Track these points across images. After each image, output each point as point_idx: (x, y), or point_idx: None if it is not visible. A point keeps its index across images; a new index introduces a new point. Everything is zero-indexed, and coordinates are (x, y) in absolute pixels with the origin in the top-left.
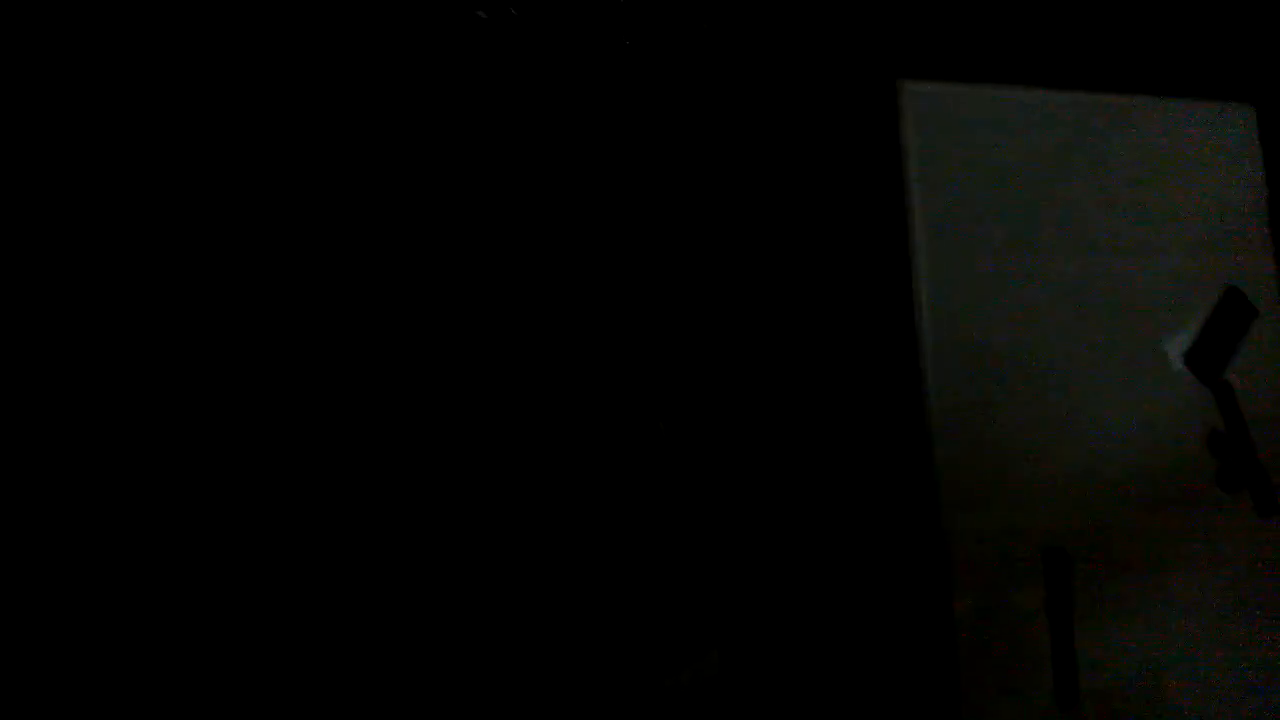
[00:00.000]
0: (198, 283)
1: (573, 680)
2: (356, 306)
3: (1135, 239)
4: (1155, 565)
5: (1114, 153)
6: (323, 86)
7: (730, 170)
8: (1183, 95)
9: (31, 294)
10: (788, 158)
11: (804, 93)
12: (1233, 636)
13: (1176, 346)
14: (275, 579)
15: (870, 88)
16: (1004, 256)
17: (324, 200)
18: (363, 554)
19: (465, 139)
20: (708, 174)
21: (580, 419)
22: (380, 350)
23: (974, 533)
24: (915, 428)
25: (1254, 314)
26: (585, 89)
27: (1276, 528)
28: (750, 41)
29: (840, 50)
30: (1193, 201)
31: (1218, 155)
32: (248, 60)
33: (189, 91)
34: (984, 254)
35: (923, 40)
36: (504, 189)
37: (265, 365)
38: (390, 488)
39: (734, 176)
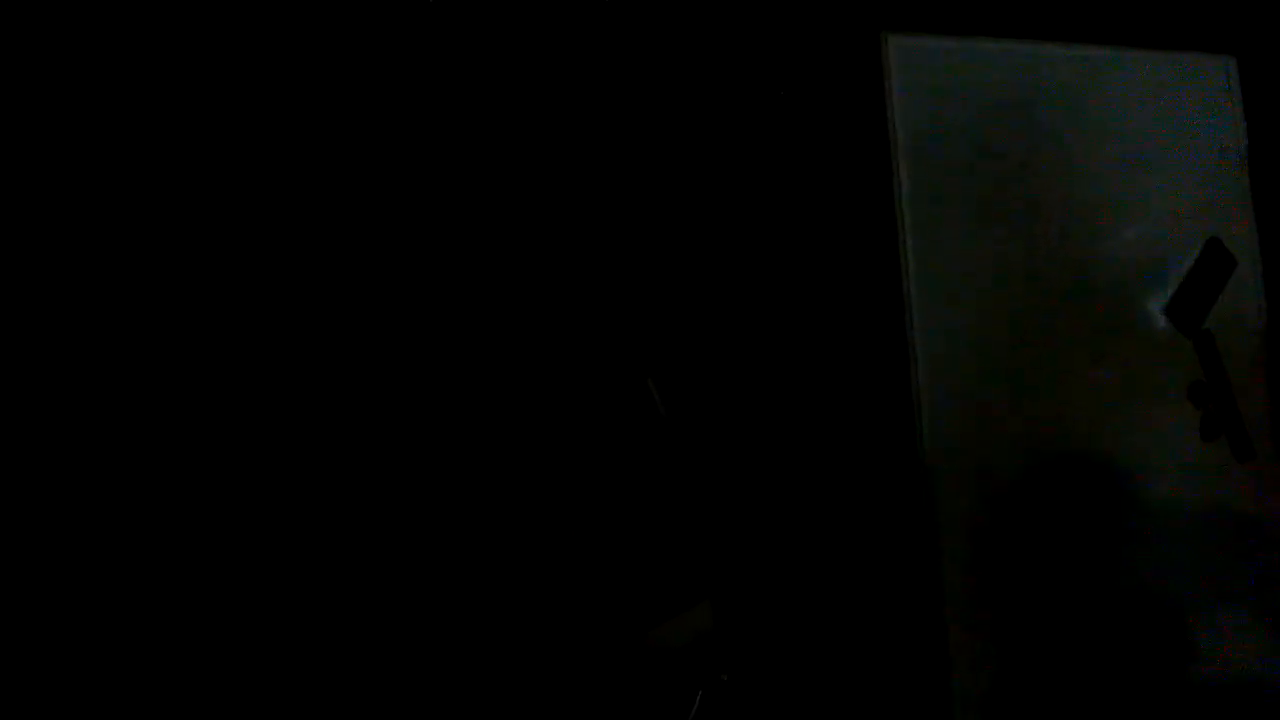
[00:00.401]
0: (186, 280)
1: (562, 634)
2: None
3: (1117, 192)
4: (1141, 514)
5: (1098, 105)
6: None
7: (711, 127)
8: (1165, 47)
9: (31, 294)
10: (770, 111)
11: (787, 45)
12: (1218, 580)
13: (1159, 301)
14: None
15: (855, 40)
16: (989, 210)
17: (298, 195)
18: (352, 523)
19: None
20: (688, 133)
21: (573, 381)
22: (355, 324)
23: (958, 480)
24: (901, 391)
25: (1233, 265)
26: (560, 49)
27: (1254, 472)
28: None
29: (824, 2)
30: (1175, 153)
31: (1199, 106)
32: (227, 57)
33: (173, 90)
34: (969, 208)
35: None
36: (474, 160)
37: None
38: (376, 454)
39: (715, 134)
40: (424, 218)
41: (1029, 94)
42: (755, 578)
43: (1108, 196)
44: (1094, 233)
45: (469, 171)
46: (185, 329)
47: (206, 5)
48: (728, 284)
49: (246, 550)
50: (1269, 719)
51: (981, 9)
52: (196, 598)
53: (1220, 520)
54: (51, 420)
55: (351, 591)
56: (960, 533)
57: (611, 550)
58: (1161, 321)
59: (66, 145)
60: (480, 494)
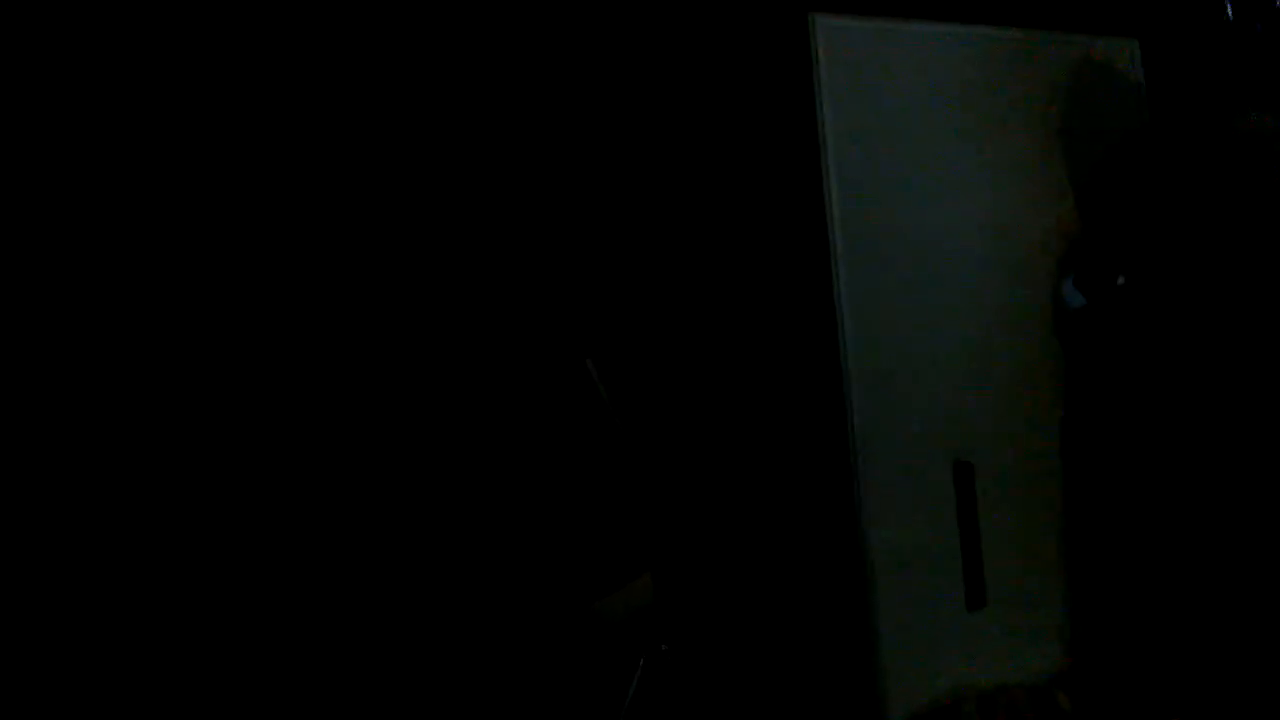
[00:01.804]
0: (183, 280)
1: (504, 605)
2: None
3: (1036, 168)
4: (1055, 475)
5: (1014, 86)
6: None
7: (643, 107)
8: (1079, 30)
9: (31, 294)
10: (700, 91)
11: (716, 26)
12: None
13: (1068, 286)
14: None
15: (782, 21)
16: (913, 188)
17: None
18: (316, 507)
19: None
20: (624, 115)
21: (514, 364)
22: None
23: (888, 452)
24: (829, 365)
25: (1139, 239)
26: (501, 38)
27: None
28: None
29: None
30: (1087, 131)
31: (1108, 88)
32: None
33: (168, 91)
34: (894, 186)
35: None
36: (411, 150)
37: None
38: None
39: (647, 113)
40: (364, 208)
41: (951, 74)
42: (693, 550)
43: (1027, 172)
44: (1013, 207)
45: (412, 162)
46: (174, 326)
47: (205, 5)
48: (661, 264)
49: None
50: None
51: None
52: (180, 586)
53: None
54: (51, 420)
55: (302, 565)
56: (885, 504)
57: (556, 524)
58: (1073, 293)
59: (66, 145)
60: (427, 473)
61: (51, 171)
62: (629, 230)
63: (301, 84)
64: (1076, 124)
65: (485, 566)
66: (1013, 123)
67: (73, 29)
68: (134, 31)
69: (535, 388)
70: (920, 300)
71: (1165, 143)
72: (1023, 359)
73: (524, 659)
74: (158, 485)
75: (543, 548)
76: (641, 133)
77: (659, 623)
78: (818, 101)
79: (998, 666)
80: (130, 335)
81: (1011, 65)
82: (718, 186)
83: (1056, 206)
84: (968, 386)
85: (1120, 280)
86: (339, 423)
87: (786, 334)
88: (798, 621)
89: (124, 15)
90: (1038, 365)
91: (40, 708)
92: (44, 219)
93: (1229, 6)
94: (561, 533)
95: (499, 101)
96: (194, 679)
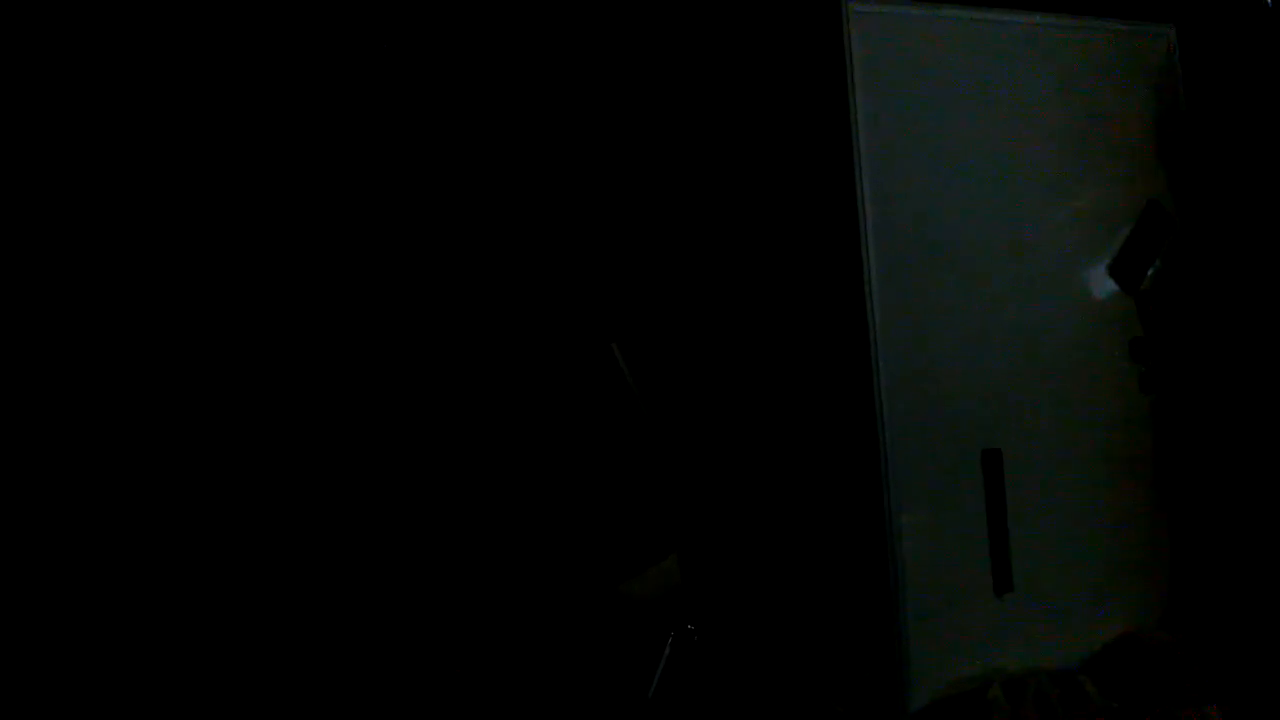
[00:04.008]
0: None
1: (534, 586)
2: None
3: (1068, 155)
4: (1083, 463)
5: (1049, 71)
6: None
7: (677, 98)
8: (1114, 15)
9: (31, 294)
10: (734, 80)
11: (749, 13)
12: (1147, 523)
13: (1102, 270)
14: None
15: (816, 6)
16: (945, 174)
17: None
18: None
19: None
20: (654, 104)
21: (543, 355)
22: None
23: (916, 440)
24: (858, 352)
25: (1173, 226)
26: (541, 30)
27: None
28: None
29: None
30: (1120, 118)
31: (1143, 73)
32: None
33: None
34: (926, 173)
35: None
36: (442, 148)
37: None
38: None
39: (681, 105)
40: (382, 205)
41: (985, 60)
42: (720, 533)
43: (1058, 159)
44: (1044, 194)
45: (435, 160)
46: (168, 326)
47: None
48: (693, 252)
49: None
50: None
51: None
52: (178, 585)
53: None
54: (52, 420)
55: (313, 553)
56: (913, 490)
57: (584, 506)
58: (1105, 281)
59: (66, 145)
60: (453, 463)
61: (51, 171)
62: (662, 220)
63: (329, 77)
64: (1111, 110)
65: (514, 548)
66: (1047, 109)
67: (73, 28)
68: (134, 31)
69: (564, 372)
70: (950, 288)
71: (1209, 130)
72: (1052, 347)
73: (552, 639)
74: (181, 478)
75: (570, 528)
76: (675, 123)
77: (686, 604)
78: (850, 88)
79: (1024, 652)
80: (136, 333)
81: (1047, 50)
82: (750, 175)
83: (1091, 193)
84: (997, 374)
85: (1152, 270)
86: (367, 411)
87: (816, 321)
88: (824, 605)
89: (124, 15)
90: (1067, 353)
91: (40, 708)
92: (44, 218)
93: None
94: (589, 514)
95: (536, 93)
96: (204, 675)
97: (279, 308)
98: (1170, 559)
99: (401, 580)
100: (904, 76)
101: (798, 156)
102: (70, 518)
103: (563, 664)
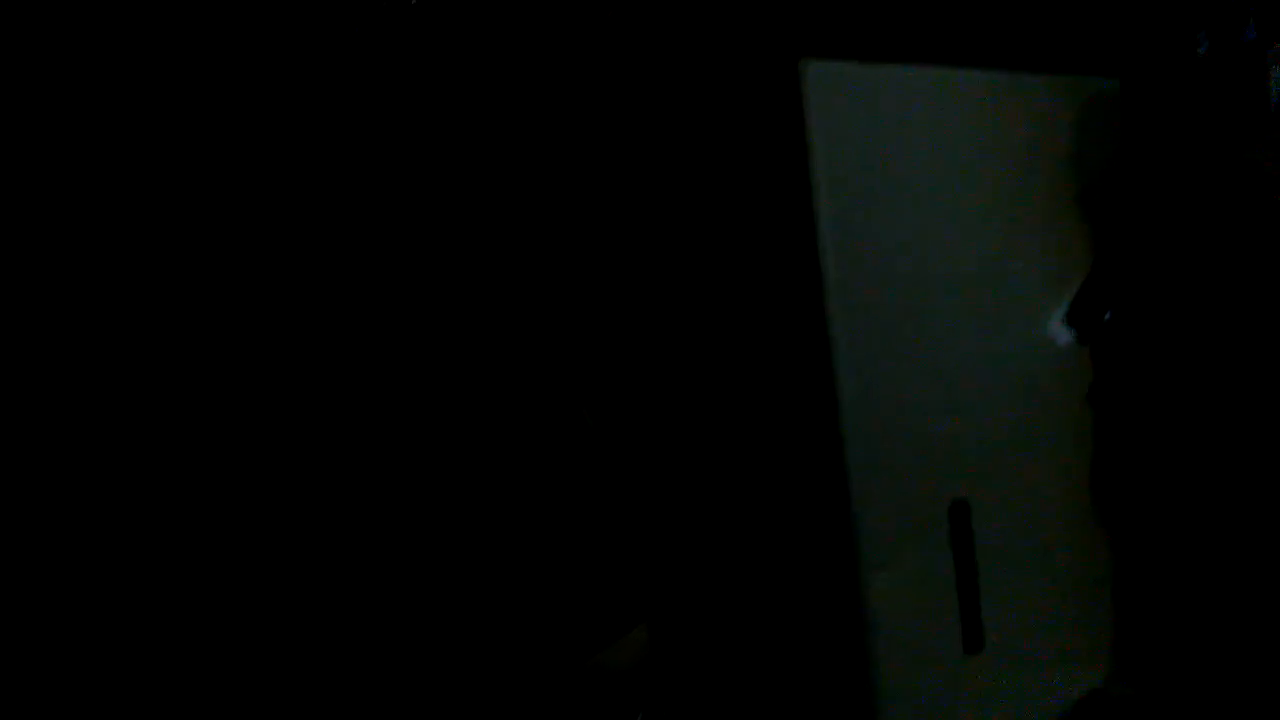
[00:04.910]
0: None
1: (498, 660)
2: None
3: (1023, 209)
4: (1046, 513)
5: (1003, 126)
6: None
7: (629, 156)
8: (1064, 71)
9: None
10: (687, 140)
11: (701, 74)
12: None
13: (1055, 323)
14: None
15: (772, 67)
16: (906, 229)
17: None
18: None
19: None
20: (606, 162)
21: (502, 405)
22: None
23: (881, 494)
24: (824, 409)
25: (1125, 275)
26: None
27: None
28: (639, 23)
29: (739, 29)
30: (1071, 172)
31: (1092, 126)
32: None
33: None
34: (887, 228)
35: (825, 17)
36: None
37: None
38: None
39: (633, 162)
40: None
41: (941, 117)
42: (686, 560)
43: (1018, 210)
44: (1004, 244)
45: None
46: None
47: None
48: (652, 326)
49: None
50: None
51: (895, 34)
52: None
53: None
54: (51, 420)
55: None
56: (882, 547)
57: (539, 537)
58: (1061, 330)
59: (66, 145)
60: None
61: (50, 171)
62: (613, 296)
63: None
64: (1063, 163)
65: (467, 620)
66: (1003, 164)
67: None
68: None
69: (524, 415)
70: (915, 340)
71: (1152, 177)
72: (1019, 395)
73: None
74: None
75: (531, 601)
76: (627, 188)
77: (648, 683)
78: (809, 147)
79: (996, 711)
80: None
81: (1000, 106)
82: (710, 235)
83: (1046, 244)
84: (964, 425)
85: (1107, 316)
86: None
87: (780, 380)
88: (793, 669)
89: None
90: (1033, 401)
91: (40, 707)
92: (43, 219)
93: (1203, 43)
94: (549, 585)
95: (480, 153)
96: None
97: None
98: (1137, 609)
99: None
100: (863, 134)
101: (759, 216)
102: (68, 516)
103: None
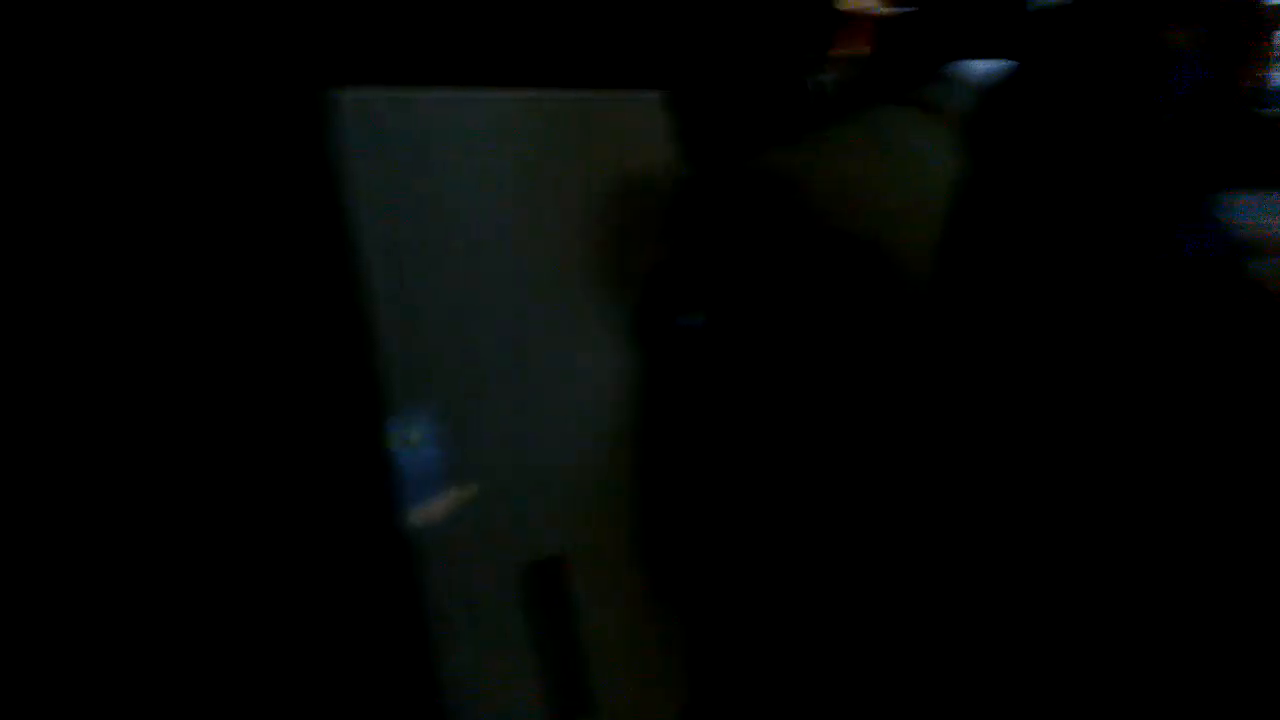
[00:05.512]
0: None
1: None
2: None
3: (579, 226)
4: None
5: (552, 145)
6: None
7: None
8: (608, 86)
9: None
10: (213, 176)
11: (242, 108)
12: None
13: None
14: None
15: (299, 97)
16: (455, 254)
17: None
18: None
19: None
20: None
21: None
22: None
23: (453, 564)
24: (372, 445)
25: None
26: None
27: None
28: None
29: (264, 60)
30: (626, 182)
31: (642, 139)
32: None
33: None
34: (434, 256)
35: (355, 46)
36: None
37: None
38: None
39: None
40: None
41: (480, 142)
42: None
43: (573, 227)
44: (561, 262)
45: None
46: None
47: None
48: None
49: None
50: None
51: (427, 62)
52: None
53: None
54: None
55: None
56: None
57: None
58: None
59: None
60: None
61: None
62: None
63: None
64: (616, 177)
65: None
66: (553, 181)
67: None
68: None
69: None
70: (472, 377)
71: (709, 187)
72: (591, 432)
73: None
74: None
75: None
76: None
77: None
78: (344, 176)
79: None
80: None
81: (546, 125)
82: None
83: (605, 259)
84: (539, 469)
85: (690, 321)
86: None
87: (324, 409)
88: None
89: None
90: (612, 441)
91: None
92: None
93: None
94: None
95: None
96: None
97: None
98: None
99: None
100: (403, 163)
101: (297, 253)
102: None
103: None
